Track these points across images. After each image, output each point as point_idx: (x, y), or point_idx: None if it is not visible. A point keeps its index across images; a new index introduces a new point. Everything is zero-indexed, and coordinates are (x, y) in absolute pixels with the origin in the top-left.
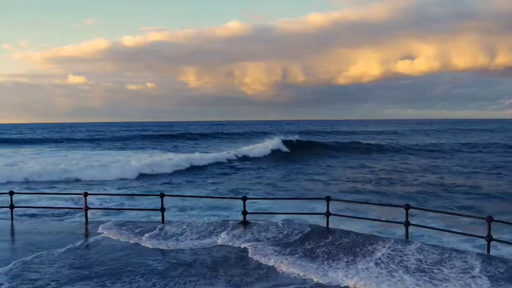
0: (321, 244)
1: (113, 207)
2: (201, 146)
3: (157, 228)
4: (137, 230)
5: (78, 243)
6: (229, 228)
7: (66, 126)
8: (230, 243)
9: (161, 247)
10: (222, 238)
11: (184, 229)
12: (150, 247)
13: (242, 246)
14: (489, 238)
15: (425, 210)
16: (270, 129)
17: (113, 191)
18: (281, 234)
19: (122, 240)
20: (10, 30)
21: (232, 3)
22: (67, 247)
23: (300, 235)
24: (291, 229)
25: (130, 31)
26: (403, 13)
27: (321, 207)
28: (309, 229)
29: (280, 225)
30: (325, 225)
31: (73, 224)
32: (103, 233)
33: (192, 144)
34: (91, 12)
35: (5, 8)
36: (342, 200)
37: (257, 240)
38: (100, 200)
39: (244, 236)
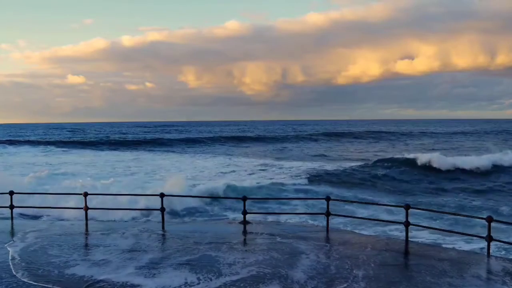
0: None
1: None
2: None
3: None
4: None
5: None
6: None
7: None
8: None
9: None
10: None
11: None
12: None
13: None
14: (489, 238)
15: (425, 210)
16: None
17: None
18: None
19: None
20: (8, 30)
21: (231, 3)
22: None
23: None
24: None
25: (129, 31)
26: (403, 13)
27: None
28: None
29: None
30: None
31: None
32: None
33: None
34: (90, 12)
35: (3, 8)
36: (342, 200)
37: None
38: None
39: None
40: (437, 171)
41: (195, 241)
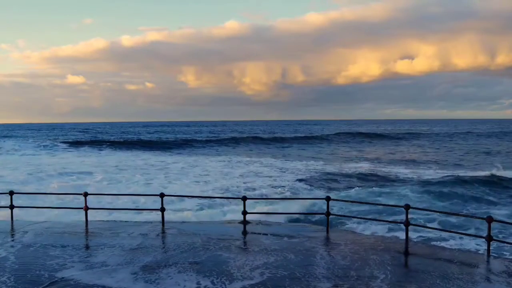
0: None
1: (112, 207)
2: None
3: None
4: None
5: None
6: None
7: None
8: None
9: None
10: None
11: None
12: None
13: None
14: (489, 238)
15: (425, 210)
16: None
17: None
18: None
19: None
20: (8, 30)
21: (231, 3)
22: None
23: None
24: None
25: (129, 30)
26: (402, 13)
27: None
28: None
29: None
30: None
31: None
32: None
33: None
34: (89, 12)
35: (3, 8)
36: (342, 200)
37: None
38: None
39: None
40: None
41: (200, 242)
